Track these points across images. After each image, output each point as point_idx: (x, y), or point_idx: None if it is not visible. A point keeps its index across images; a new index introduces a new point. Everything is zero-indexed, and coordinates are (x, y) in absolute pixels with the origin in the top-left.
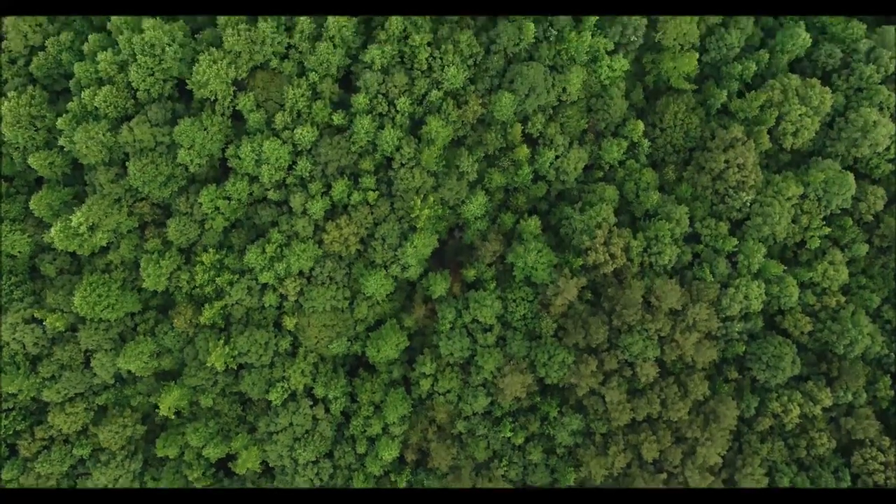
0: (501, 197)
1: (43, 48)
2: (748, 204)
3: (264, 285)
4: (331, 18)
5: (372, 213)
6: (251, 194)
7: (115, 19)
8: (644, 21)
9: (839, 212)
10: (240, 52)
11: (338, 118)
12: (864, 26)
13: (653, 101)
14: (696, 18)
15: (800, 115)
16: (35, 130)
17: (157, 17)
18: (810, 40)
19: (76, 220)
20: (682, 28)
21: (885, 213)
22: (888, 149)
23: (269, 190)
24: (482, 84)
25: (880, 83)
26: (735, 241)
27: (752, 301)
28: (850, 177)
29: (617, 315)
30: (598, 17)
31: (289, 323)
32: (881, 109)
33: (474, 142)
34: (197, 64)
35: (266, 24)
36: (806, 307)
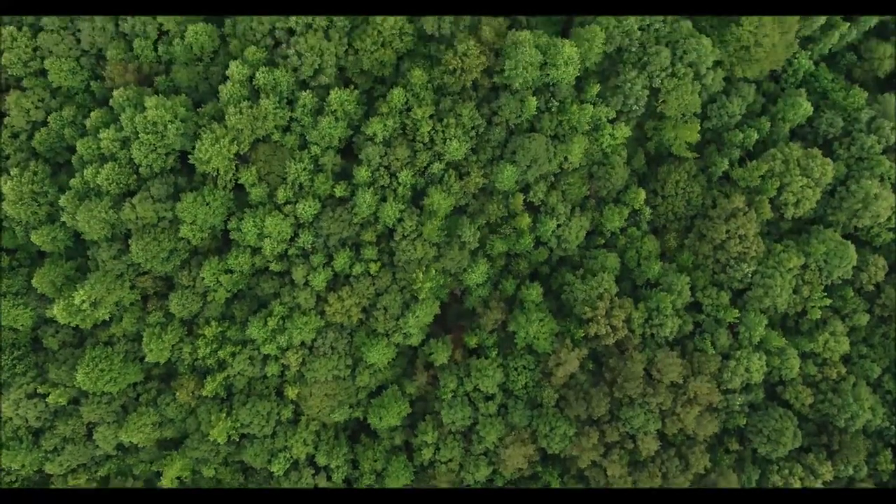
0: (503, 262)
1: (45, 123)
2: (749, 275)
3: (266, 356)
4: (333, 94)
5: (374, 284)
6: (253, 265)
7: (116, 95)
8: (646, 92)
9: (840, 282)
10: (241, 129)
11: (340, 190)
12: (866, 94)
13: (654, 166)
14: (698, 88)
15: (801, 186)
16: (37, 206)
17: (159, 95)
18: (811, 109)
19: (79, 299)
20: (684, 99)
21: (886, 283)
22: (889, 218)
23: (271, 262)
24: (484, 154)
25: (881, 153)
26: (736, 313)
27: (753, 373)
28: (852, 249)
29: (618, 387)
30: (599, 87)
31: (291, 392)
32: (882, 180)
33: (476, 209)
34: (199, 142)
35: (268, 102)
36: (807, 378)
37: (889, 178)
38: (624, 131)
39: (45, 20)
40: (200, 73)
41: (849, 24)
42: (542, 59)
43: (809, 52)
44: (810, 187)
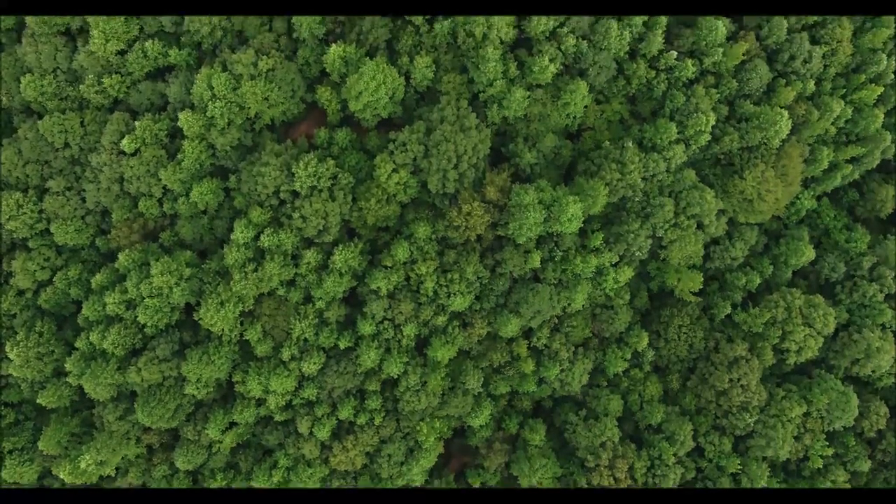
0: (506, 400)
1: (51, 282)
2: (751, 424)
3: None
4: (337, 254)
5: (378, 433)
6: (258, 415)
7: (122, 259)
8: (649, 241)
9: (842, 429)
10: (246, 292)
11: (344, 342)
12: (868, 238)
13: (657, 302)
14: (701, 239)
15: (804, 336)
16: (43, 364)
17: (164, 257)
18: (814, 255)
19: (84, 463)
20: (687, 249)
21: (888, 429)
22: (891, 366)
23: (275, 413)
24: (487, 303)
25: (883, 301)
26: (738, 461)
27: None
28: (854, 400)
29: None
30: (603, 235)
31: None
32: (884, 330)
33: (479, 353)
34: (205, 305)
35: (273, 265)
36: None
37: (891, 328)
38: (627, 273)
39: (51, 182)
40: (205, 225)
41: (851, 165)
42: (546, 214)
43: (812, 190)
44: (812, 336)
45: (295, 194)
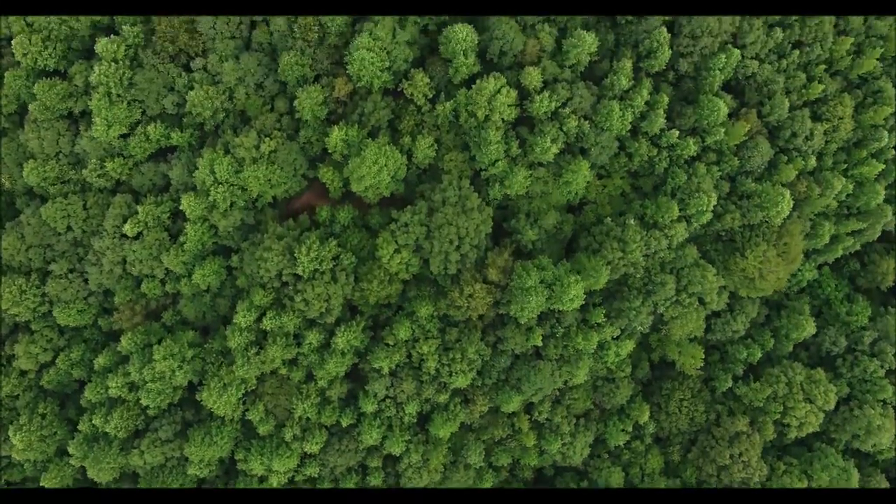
0: (507, 470)
1: (53, 364)
2: None
3: None
4: (339, 336)
5: None
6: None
7: (125, 342)
8: (650, 317)
9: None
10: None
11: (346, 419)
12: (869, 311)
13: (659, 372)
14: (703, 314)
15: (805, 412)
16: (46, 445)
17: (167, 340)
18: (815, 329)
19: None
20: (689, 326)
21: None
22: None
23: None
24: (489, 379)
25: (883, 377)
26: None
27: None
28: (854, 475)
29: None
30: (604, 310)
31: None
32: (885, 406)
33: (481, 427)
34: (207, 389)
35: (275, 348)
36: None
37: (891, 404)
38: (628, 346)
39: (53, 266)
40: (207, 303)
41: (852, 237)
42: (548, 293)
43: (813, 261)
44: (813, 413)
45: (297, 277)
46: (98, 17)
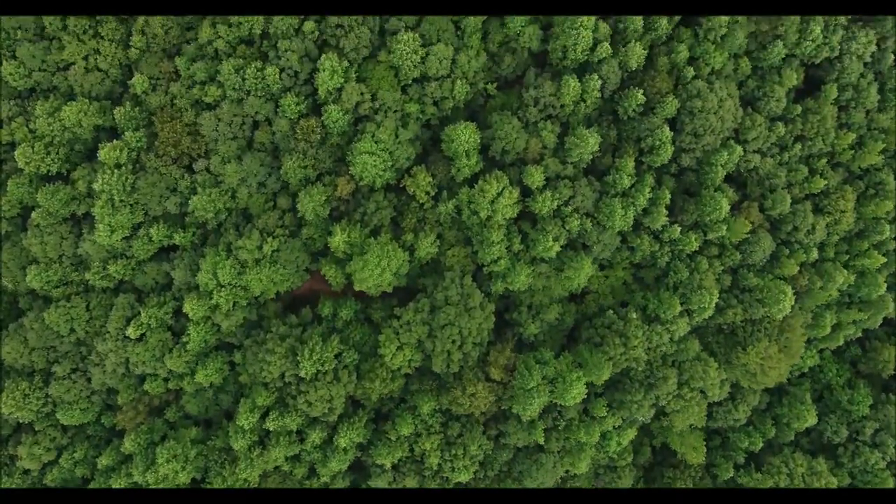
0: None
1: (56, 462)
2: None
3: None
4: (342, 436)
5: None
6: None
7: (128, 444)
8: (652, 410)
9: None
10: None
11: None
12: (870, 400)
13: (661, 457)
14: (704, 406)
15: None
16: None
17: (170, 441)
18: (816, 419)
19: None
20: (690, 419)
21: None
22: None
23: None
24: (491, 471)
25: (885, 469)
26: None
27: None
28: None
29: None
30: (605, 401)
31: None
32: None
33: None
34: (210, 487)
35: (278, 449)
36: None
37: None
38: (630, 434)
39: (56, 367)
40: (210, 398)
41: (855, 326)
42: (549, 388)
43: (815, 347)
44: None
45: (300, 379)
46: (100, 121)
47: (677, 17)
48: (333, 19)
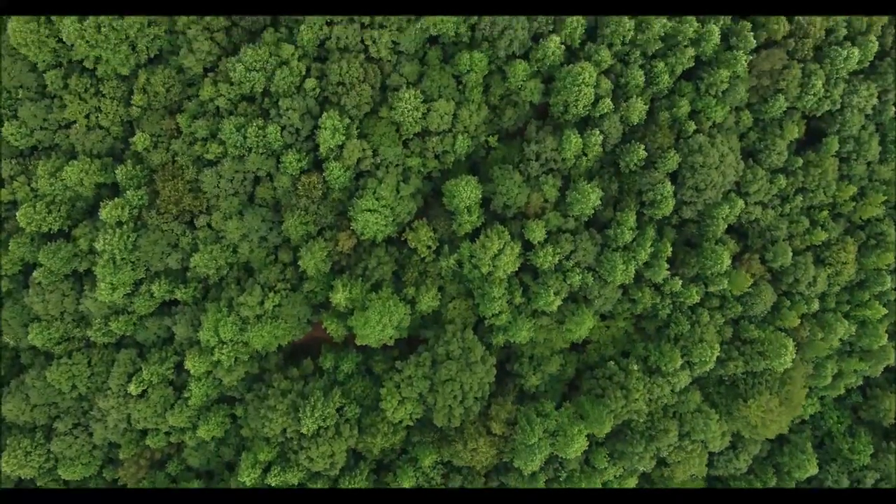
0: None
1: None
2: None
3: None
4: (342, 485)
5: None
6: None
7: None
8: (653, 461)
9: None
10: None
11: None
12: (871, 450)
13: None
14: (705, 457)
15: None
16: None
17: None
18: (817, 470)
19: None
20: (691, 470)
21: None
22: None
23: None
24: None
25: None
26: None
27: None
28: None
29: None
30: (606, 451)
31: None
32: None
33: None
34: None
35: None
36: None
37: None
38: (630, 482)
39: (58, 423)
40: (212, 451)
41: (856, 376)
42: (551, 441)
43: (816, 395)
44: None
45: (302, 436)
46: (102, 179)
47: (679, 72)
48: (335, 77)
